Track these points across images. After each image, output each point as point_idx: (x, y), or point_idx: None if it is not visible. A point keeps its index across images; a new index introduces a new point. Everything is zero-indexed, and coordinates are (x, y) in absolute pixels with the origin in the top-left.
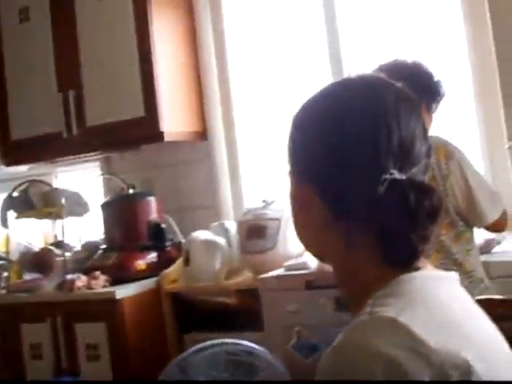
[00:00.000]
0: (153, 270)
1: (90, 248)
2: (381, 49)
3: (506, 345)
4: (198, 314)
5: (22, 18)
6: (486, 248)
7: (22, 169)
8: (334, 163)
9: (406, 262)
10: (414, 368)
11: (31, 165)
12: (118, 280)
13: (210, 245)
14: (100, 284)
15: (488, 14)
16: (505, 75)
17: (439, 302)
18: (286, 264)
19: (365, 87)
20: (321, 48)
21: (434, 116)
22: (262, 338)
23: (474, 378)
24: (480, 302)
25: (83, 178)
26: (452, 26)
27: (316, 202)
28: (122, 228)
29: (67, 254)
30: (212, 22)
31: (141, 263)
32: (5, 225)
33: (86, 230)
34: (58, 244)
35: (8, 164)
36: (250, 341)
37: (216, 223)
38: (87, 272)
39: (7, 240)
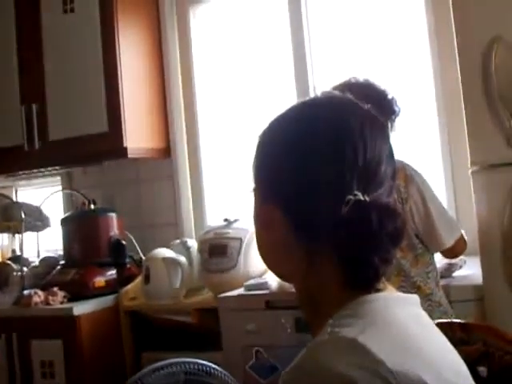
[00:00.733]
0: (112, 287)
1: (48, 263)
2: (347, 69)
3: (465, 368)
4: (157, 332)
5: None
6: (447, 272)
7: None
8: (298, 183)
9: (368, 283)
10: None
11: None
12: (76, 296)
13: (170, 263)
14: (58, 300)
15: (454, 34)
16: (469, 101)
17: (399, 324)
18: (246, 283)
19: (330, 108)
20: (287, 69)
21: (394, 136)
22: (221, 357)
23: None
24: (440, 326)
25: (44, 193)
26: (418, 54)
27: (279, 221)
28: (82, 244)
29: (25, 269)
30: (179, 40)
31: (100, 280)
32: None
33: (44, 244)
34: (16, 258)
35: None
36: (208, 360)
37: (177, 241)
38: (45, 288)
39: None
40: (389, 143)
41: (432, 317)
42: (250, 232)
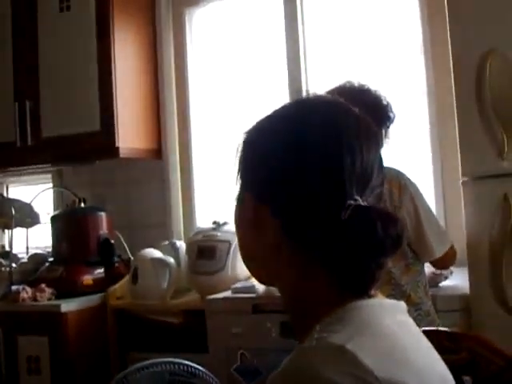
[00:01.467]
0: (99, 286)
1: (37, 260)
2: (340, 75)
3: (450, 377)
4: (143, 332)
5: None
6: (432, 282)
7: None
8: (296, 186)
9: (364, 288)
10: None
11: None
12: (63, 293)
13: (158, 263)
14: (45, 297)
15: (449, 46)
16: (462, 112)
17: (387, 332)
18: (233, 286)
19: (326, 110)
20: (280, 73)
21: (388, 143)
22: (206, 359)
23: None
24: (427, 334)
25: (34, 190)
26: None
27: (271, 223)
28: (71, 242)
29: (13, 265)
30: (174, 42)
31: (88, 278)
32: None
33: (34, 241)
34: (5, 254)
35: None
36: (193, 362)
37: (166, 242)
38: (33, 284)
39: None
40: (380, 150)
41: (420, 326)
42: None
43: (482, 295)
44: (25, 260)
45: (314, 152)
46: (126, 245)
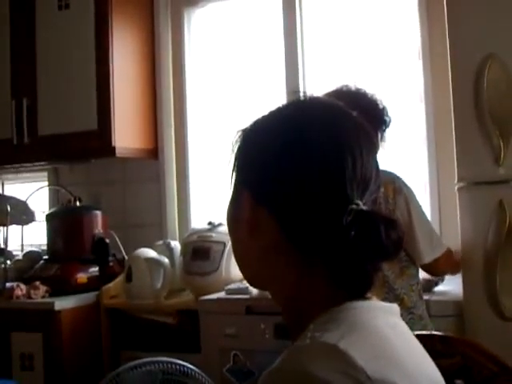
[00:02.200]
0: (94, 284)
1: (31, 257)
2: (338, 79)
3: (442, 380)
4: (136, 331)
5: None
6: (426, 286)
7: None
8: (295, 187)
9: (360, 291)
10: None
11: None
12: (58, 291)
13: (152, 263)
14: (40, 294)
15: (448, 50)
16: (459, 117)
17: (380, 333)
18: (227, 287)
19: (325, 111)
20: (278, 75)
21: (384, 147)
22: (199, 359)
23: None
24: (420, 337)
25: (30, 187)
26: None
27: (270, 225)
28: (66, 240)
29: (8, 262)
30: (172, 42)
31: (82, 276)
32: None
33: (29, 239)
34: (0, 251)
35: None
36: (186, 362)
37: (161, 242)
38: (28, 281)
39: None
40: (376, 153)
41: (413, 329)
42: None
43: (475, 301)
44: (19, 257)
45: (315, 152)
46: (120, 244)
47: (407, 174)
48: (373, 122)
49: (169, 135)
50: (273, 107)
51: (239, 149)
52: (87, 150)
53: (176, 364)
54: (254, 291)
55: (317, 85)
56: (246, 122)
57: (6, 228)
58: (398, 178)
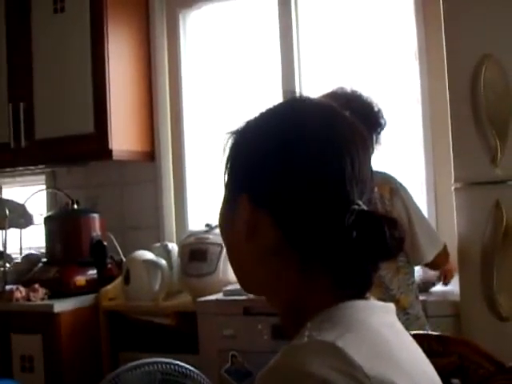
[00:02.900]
0: (92, 287)
1: (30, 260)
2: (334, 80)
3: (438, 379)
4: (135, 333)
5: None
6: (423, 287)
7: None
8: (298, 188)
9: (360, 291)
10: None
11: None
12: (57, 294)
13: (150, 265)
14: (39, 296)
15: (444, 51)
16: (456, 117)
17: (377, 332)
18: (225, 289)
19: (322, 112)
20: (274, 76)
21: (379, 149)
22: (197, 360)
23: None
24: (416, 337)
25: (28, 191)
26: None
27: (269, 228)
28: (64, 243)
29: (7, 265)
30: (167, 44)
31: (80, 279)
32: None
33: (27, 242)
34: None
35: None
36: (185, 363)
37: (158, 244)
38: (27, 284)
39: None
40: (371, 154)
41: (409, 330)
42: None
43: (472, 301)
44: (19, 260)
45: (314, 152)
46: (118, 246)
47: (404, 174)
48: (367, 124)
49: (165, 138)
50: (263, 108)
51: (232, 151)
52: (84, 153)
53: (174, 365)
54: None
55: (313, 86)
56: (236, 124)
57: (4, 231)
58: (392, 178)
